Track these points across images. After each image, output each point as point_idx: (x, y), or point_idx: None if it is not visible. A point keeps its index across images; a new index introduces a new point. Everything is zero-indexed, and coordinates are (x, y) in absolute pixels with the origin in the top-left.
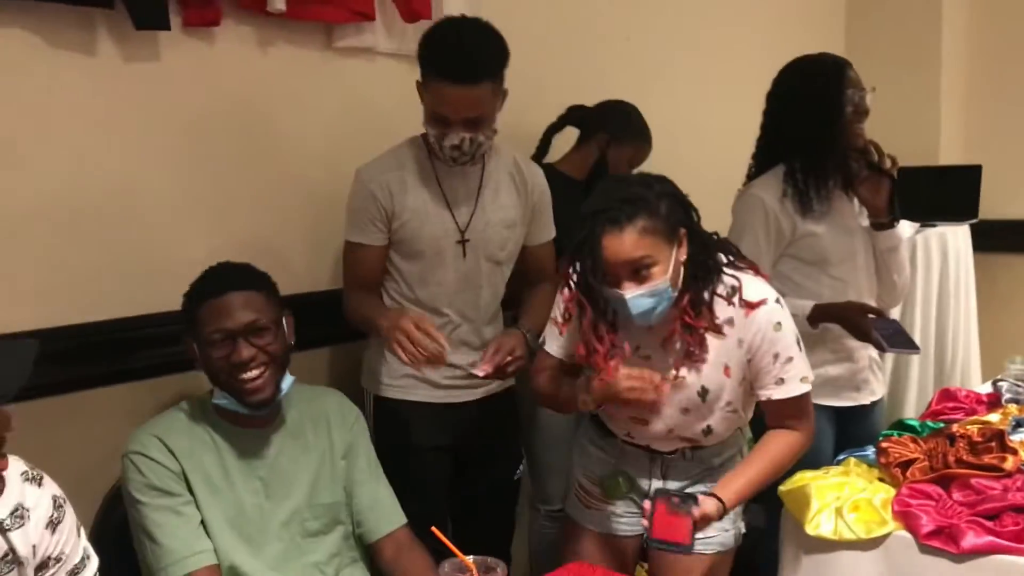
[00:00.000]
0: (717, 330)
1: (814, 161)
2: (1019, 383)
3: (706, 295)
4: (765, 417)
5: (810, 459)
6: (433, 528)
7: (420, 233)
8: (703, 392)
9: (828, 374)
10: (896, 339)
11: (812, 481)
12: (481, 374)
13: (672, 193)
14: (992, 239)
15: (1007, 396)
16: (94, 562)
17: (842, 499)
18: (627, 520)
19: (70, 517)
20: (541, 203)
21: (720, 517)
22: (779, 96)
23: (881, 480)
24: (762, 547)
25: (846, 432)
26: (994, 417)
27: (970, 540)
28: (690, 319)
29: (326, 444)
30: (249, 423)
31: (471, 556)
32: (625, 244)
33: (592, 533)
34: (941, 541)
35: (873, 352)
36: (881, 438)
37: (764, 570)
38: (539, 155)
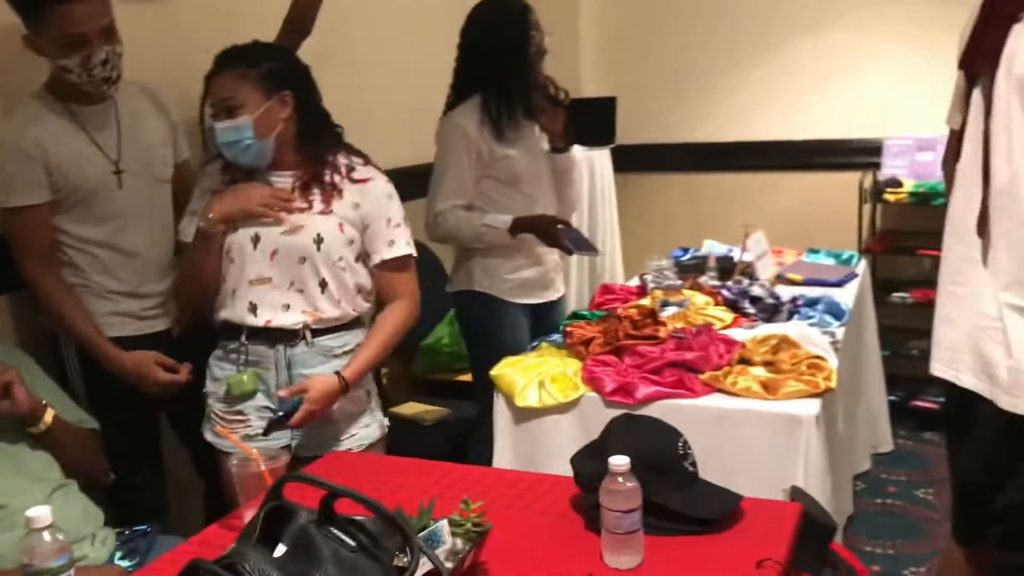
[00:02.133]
0: (328, 195)
1: (503, 94)
2: (659, 275)
3: (328, 157)
4: (378, 295)
5: (513, 349)
6: (220, 428)
7: (82, 176)
8: (318, 239)
9: (523, 277)
10: (581, 244)
11: (517, 363)
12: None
13: (283, 63)
14: (627, 161)
15: (652, 285)
16: None
17: (543, 374)
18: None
19: None
20: (181, 121)
21: (340, 391)
22: (472, 35)
23: (570, 357)
24: (474, 433)
25: (538, 324)
26: (646, 302)
27: (642, 391)
28: (307, 176)
29: None
30: None
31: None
32: (220, 84)
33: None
34: (621, 396)
35: (557, 256)
36: (563, 325)
37: (476, 451)
38: None
